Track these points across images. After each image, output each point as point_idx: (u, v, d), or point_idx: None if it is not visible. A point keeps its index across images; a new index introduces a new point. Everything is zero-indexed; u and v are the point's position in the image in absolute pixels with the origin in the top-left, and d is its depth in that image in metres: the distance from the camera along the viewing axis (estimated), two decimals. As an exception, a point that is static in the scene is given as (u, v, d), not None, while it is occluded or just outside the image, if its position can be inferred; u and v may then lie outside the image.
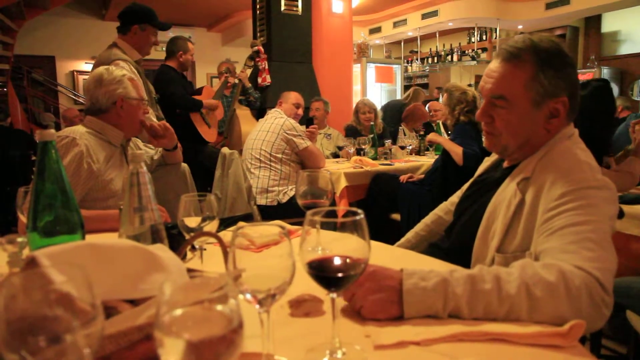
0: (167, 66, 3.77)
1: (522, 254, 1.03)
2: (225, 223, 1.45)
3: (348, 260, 0.67)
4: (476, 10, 8.12)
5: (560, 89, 1.09)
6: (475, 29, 9.10)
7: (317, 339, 0.74)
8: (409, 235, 1.55)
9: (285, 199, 3.07)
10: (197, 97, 3.81)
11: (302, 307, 0.84)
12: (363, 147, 3.71)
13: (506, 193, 1.13)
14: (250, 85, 4.51)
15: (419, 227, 1.56)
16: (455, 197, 1.51)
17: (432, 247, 1.43)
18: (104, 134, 1.75)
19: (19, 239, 1.01)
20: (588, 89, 2.20)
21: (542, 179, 1.04)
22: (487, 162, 1.42)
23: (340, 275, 0.66)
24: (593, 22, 8.96)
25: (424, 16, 8.76)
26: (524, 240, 1.04)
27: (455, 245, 1.31)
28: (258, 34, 5.05)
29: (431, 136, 3.33)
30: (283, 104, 3.46)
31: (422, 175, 3.31)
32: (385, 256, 1.18)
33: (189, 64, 3.79)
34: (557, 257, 0.85)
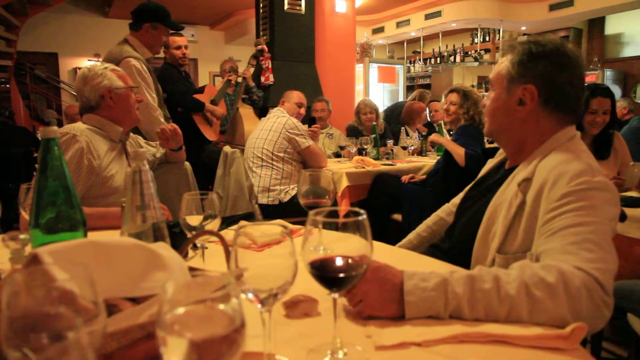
0: (168, 64, 3.77)
1: (523, 255, 1.03)
2: (226, 222, 1.45)
3: (350, 261, 0.67)
4: (479, 11, 8.11)
5: (528, 76, 1.16)
6: (479, 29, 9.09)
7: (318, 339, 0.74)
8: (411, 236, 1.55)
9: (286, 198, 3.07)
10: (198, 96, 3.80)
11: (298, 308, 0.83)
12: (365, 147, 3.70)
13: (507, 194, 1.13)
14: (253, 84, 4.50)
15: (420, 228, 1.56)
16: (457, 199, 1.51)
17: (433, 248, 1.43)
18: (104, 129, 1.76)
19: (22, 236, 1.01)
20: None
21: (543, 179, 1.04)
22: (489, 164, 1.42)
23: (342, 275, 0.66)
24: (596, 24, 8.95)
25: (427, 16, 8.75)
26: (525, 241, 1.05)
27: (455, 246, 1.31)
28: (261, 33, 5.05)
29: (433, 137, 3.32)
30: (285, 103, 3.46)
31: (424, 176, 3.31)
32: (386, 257, 1.17)
33: (177, 58, 3.72)
34: (557, 258, 0.85)
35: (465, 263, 1.17)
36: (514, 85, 1.18)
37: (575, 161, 1.04)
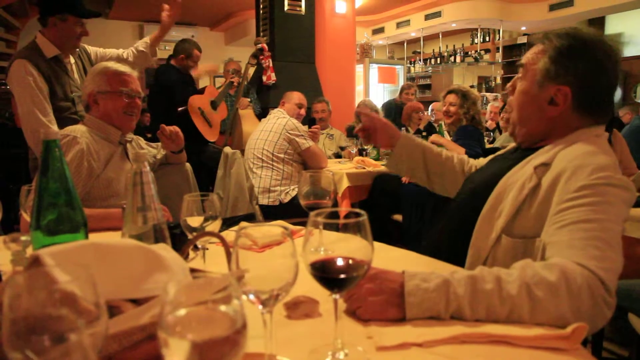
0: (172, 65, 3.77)
1: (532, 241, 1.01)
2: (227, 223, 1.45)
3: (351, 262, 0.67)
4: (479, 12, 8.11)
5: (564, 76, 1.09)
6: (479, 30, 9.10)
7: (319, 340, 0.74)
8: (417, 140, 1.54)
9: (287, 199, 3.07)
10: (199, 96, 3.81)
11: (299, 309, 0.83)
12: (365, 147, 3.71)
13: (520, 175, 1.10)
14: (246, 82, 4.47)
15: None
16: (474, 166, 1.49)
17: (431, 239, 1.41)
18: (102, 131, 1.76)
19: (23, 238, 1.01)
20: None
21: (562, 168, 1.01)
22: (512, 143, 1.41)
23: (343, 276, 0.66)
24: (597, 24, 8.94)
25: (427, 17, 8.76)
26: (534, 226, 1.02)
27: (456, 216, 1.29)
28: (261, 34, 5.05)
29: (434, 137, 3.32)
30: (286, 104, 3.46)
31: (425, 176, 3.30)
32: (386, 257, 1.18)
33: (189, 69, 3.78)
34: (563, 253, 0.85)
35: (465, 236, 1.16)
36: (548, 83, 1.11)
37: (601, 155, 1.01)
